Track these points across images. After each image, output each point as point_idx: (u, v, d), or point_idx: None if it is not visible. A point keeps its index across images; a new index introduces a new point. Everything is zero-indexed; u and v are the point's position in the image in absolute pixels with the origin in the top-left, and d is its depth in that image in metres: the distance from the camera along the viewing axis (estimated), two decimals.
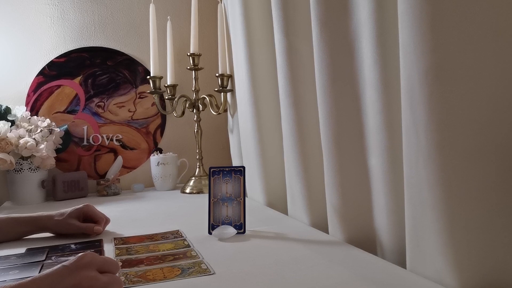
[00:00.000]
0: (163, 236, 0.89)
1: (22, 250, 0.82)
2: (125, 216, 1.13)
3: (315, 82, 0.85)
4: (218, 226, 0.88)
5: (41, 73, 1.52)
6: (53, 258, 0.76)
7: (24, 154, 1.34)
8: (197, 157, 1.51)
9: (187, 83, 1.57)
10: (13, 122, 1.39)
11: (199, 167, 1.50)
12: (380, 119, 0.72)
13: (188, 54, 1.46)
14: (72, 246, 0.84)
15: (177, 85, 1.53)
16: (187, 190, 1.46)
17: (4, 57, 1.49)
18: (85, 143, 1.57)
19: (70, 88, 1.55)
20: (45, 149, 1.35)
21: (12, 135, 1.33)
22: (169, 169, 1.54)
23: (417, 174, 0.59)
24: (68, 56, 1.55)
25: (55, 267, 0.51)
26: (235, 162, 1.50)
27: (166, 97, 1.54)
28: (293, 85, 0.97)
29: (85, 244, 0.85)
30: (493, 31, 0.51)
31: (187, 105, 1.51)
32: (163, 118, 1.66)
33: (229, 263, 0.70)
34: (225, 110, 1.51)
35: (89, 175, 1.55)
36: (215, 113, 1.51)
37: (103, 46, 1.59)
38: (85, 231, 0.90)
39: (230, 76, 1.45)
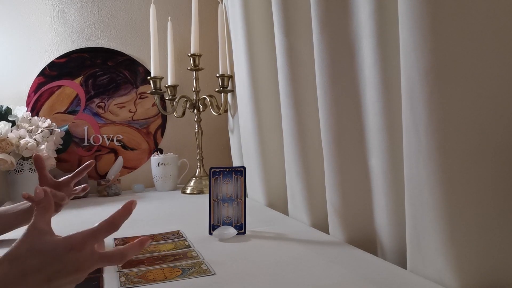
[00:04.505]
0: (164, 236, 0.89)
1: None
2: None
3: (316, 83, 0.85)
4: (218, 226, 0.88)
5: (42, 73, 1.52)
6: None
7: (24, 155, 1.34)
8: (198, 157, 1.51)
9: (187, 83, 1.57)
10: (13, 123, 1.39)
11: (200, 168, 1.50)
12: (380, 119, 0.72)
13: (189, 54, 1.47)
14: None
15: (178, 85, 1.53)
16: (188, 191, 1.46)
17: (5, 57, 1.49)
18: (85, 143, 1.57)
19: (70, 88, 1.56)
20: (46, 150, 1.35)
21: (12, 135, 1.33)
22: (170, 170, 1.54)
23: (417, 174, 0.59)
24: (69, 57, 1.55)
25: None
26: (236, 163, 1.50)
27: (167, 98, 1.54)
28: (294, 85, 0.97)
29: None
30: (493, 31, 0.51)
31: (187, 106, 1.51)
32: (164, 118, 1.66)
33: (230, 264, 0.70)
34: (226, 111, 1.51)
35: (90, 175, 1.55)
36: (215, 114, 1.51)
37: (104, 47, 1.59)
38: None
39: (231, 77, 1.45)
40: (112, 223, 0.49)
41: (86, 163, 0.87)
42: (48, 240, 0.48)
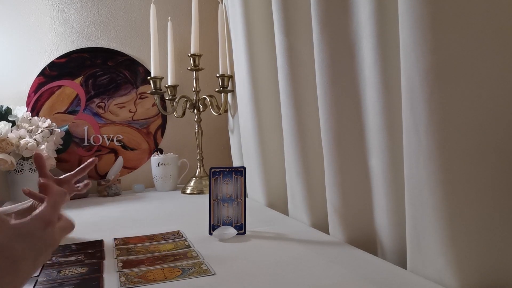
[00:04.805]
0: (164, 236, 0.89)
1: None
2: (126, 217, 1.13)
3: (316, 83, 0.85)
4: (218, 226, 0.88)
5: (42, 73, 1.52)
6: (53, 259, 0.77)
7: (24, 155, 1.34)
8: (198, 157, 1.51)
9: (187, 83, 1.58)
10: (13, 123, 1.39)
11: (200, 168, 1.50)
12: (380, 119, 0.72)
13: (189, 54, 1.47)
14: (73, 246, 0.85)
15: (178, 85, 1.53)
16: (188, 191, 1.46)
17: (5, 57, 1.49)
18: (85, 143, 1.57)
19: (70, 88, 1.56)
20: (46, 150, 1.35)
21: (12, 135, 1.33)
22: (170, 170, 1.54)
23: (417, 175, 0.59)
24: (69, 57, 1.55)
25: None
26: (236, 163, 1.50)
27: (167, 98, 1.54)
28: (294, 85, 0.97)
29: (86, 245, 0.85)
30: (493, 31, 0.51)
31: (187, 106, 1.51)
32: (164, 118, 1.66)
33: (230, 264, 0.70)
34: (226, 111, 1.51)
35: (90, 175, 1.55)
36: (215, 114, 1.51)
37: (104, 47, 1.59)
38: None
39: (231, 77, 1.45)
40: (63, 191, 0.54)
41: (89, 160, 0.87)
42: (20, 223, 0.46)
